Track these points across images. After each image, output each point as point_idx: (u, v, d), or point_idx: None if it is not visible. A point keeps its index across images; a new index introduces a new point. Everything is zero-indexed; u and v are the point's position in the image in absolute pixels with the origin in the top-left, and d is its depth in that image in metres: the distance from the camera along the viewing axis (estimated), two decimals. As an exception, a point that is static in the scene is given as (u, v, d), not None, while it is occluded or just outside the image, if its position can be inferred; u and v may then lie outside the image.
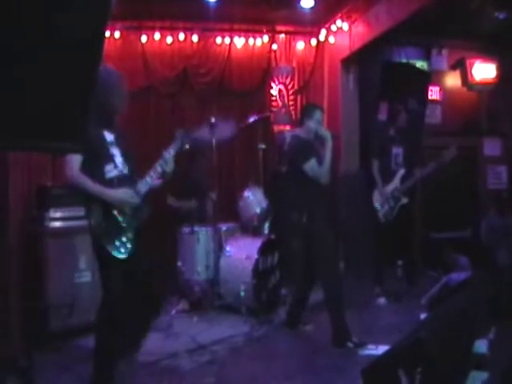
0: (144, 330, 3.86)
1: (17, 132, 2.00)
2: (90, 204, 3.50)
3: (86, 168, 3.48)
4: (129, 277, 3.61)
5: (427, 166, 6.22)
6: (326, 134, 4.90)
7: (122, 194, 3.58)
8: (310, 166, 4.80)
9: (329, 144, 4.84)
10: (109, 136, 3.70)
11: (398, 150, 6.44)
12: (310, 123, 4.96)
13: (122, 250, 3.49)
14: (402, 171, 6.33)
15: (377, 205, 6.38)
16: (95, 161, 3.54)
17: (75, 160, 3.48)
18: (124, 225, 3.57)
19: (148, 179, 3.75)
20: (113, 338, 3.54)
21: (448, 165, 6.08)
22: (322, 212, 4.96)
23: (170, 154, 3.85)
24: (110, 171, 3.61)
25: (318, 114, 5.00)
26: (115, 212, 3.56)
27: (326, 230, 4.95)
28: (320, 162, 4.83)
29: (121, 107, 3.80)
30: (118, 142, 3.74)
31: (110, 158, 3.65)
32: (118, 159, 3.69)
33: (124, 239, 3.53)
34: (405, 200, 6.26)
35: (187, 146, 4.06)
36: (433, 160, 6.19)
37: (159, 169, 3.79)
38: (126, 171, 3.71)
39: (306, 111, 5.13)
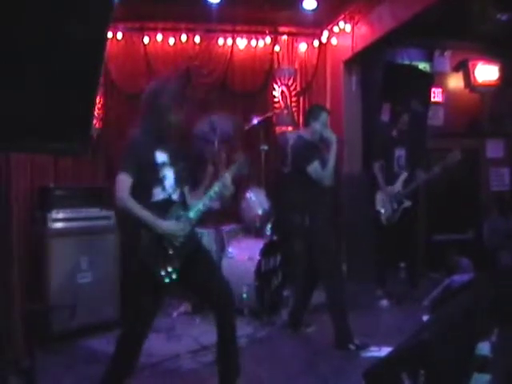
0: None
1: (20, 133, 2.01)
2: (139, 227, 3.42)
3: (134, 190, 3.43)
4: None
5: (430, 169, 6.19)
6: (331, 136, 4.86)
7: (171, 226, 3.46)
8: (313, 168, 4.78)
9: (333, 147, 4.81)
10: (161, 156, 3.56)
11: (400, 152, 6.44)
12: (316, 125, 4.94)
13: (167, 280, 3.41)
14: (404, 174, 6.32)
15: (379, 208, 6.37)
16: (143, 183, 3.47)
17: (126, 181, 3.43)
18: (171, 253, 3.46)
19: (201, 207, 3.63)
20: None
21: (451, 168, 6.06)
22: (324, 213, 4.95)
23: (227, 178, 3.70)
24: (158, 194, 3.51)
25: (323, 116, 4.98)
26: (164, 241, 3.44)
27: (327, 232, 4.94)
28: (324, 164, 4.81)
29: (178, 122, 3.64)
30: (172, 161, 3.60)
31: (159, 181, 3.52)
32: (169, 182, 3.56)
33: (170, 269, 3.42)
34: (408, 203, 6.25)
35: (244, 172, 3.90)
36: (435, 162, 6.17)
37: (216, 193, 3.67)
38: (175, 196, 3.58)
39: (312, 113, 5.11)
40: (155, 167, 3.52)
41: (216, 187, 3.68)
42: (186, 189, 3.71)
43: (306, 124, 5.10)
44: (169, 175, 3.57)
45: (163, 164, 3.56)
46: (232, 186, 3.71)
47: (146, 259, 3.41)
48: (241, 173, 3.84)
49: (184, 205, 3.64)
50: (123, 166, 3.49)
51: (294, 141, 5.25)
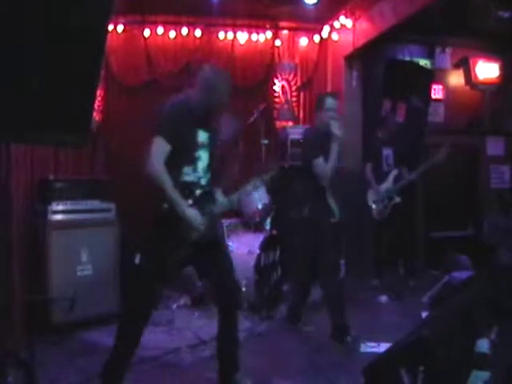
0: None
1: (20, 125, 2.01)
2: (163, 202, 3.33)
3: (166, 162, 3.30)
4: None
5: (420, 166, 6.40)
6: (336, 133, 4.75)
7: (193, 215, 3.36)
8: (318, 162, 4.77)
9: (335, 145, 4.76)
10: (203, 135, 3.47)
11: (387, 152, 6.64)
12: (321, 114, 4.88)
13: (169, 261, 3.37)
14: (395, 171, 6.55)
15: (371, 203, 6.54)
16: (177, 157, 3.34)
17: (162, 146, 3.30)
18: (183, 240, 3.40)
19: (226, 202, 3.58)
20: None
21: (440, 165, 6.18)
22: (324, 205, 4.95)
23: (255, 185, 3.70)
24: (188, 174, 3.41)
25: (327, 102, 4.89)
26: (182, 224, 3.35)
27: (327, 222, 4.94)
28: (326, 159, 4.79)
29: (223, 107, 3.55)
30: (210, 144, 3.53)
31: (193, 161, 3.43)
32: (202, 164, 3.48)
33: (183, 253, 3.38)
34: (398, 199, 6.43)
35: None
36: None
37: (248, 191, 3.67)
38: (204, 181, 3.50)
39: (317, 103, 5.09)
40: (194, 145, 3.43)
41: (253, 185, 3.66)
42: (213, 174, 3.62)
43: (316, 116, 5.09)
44: (204, 157, 3.49)
45: (202, 144, 3.47)
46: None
47: (160, 236, 3.37)
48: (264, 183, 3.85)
49: (211, 195, 3.57)
50: (161, 130, 3.34)
51: (304, 133, 5.27)
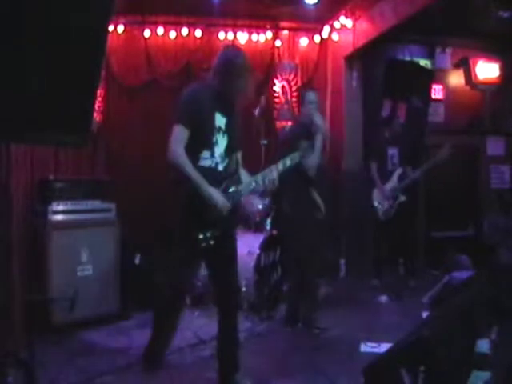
0: None
1: (20, 125, 2.01)
2: (182, 183, 3.33)
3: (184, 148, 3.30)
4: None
5: (423, 165, 6.42)
6: (320, 125, 4.87)
7: (215, 194, 3.33)
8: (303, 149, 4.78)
9: (319, 136, 4.84)
10: (220, 119, 3.45)
11: (393, 151, 6.62)
12: (303, 109, 5.05)
13: (204, 244, 3.34)
14: (399, 170, 6.55)
15: (376, 203, 6.54)
16: (195, 142, 3.34)
17: (182, 133, 3.30)
18: (212, 220, 3.36)
19: (253, 185, 3.54)
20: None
21: (443, 163, 6.21)
22: (305, 203, 4.95)
23: (285, 163, 3.68)
24: (206, 159, 3.40)
25: (307, 96, 5.06)
26: (207, 206, 3.33)
27: (304, 220, 4.98)
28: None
29: (243, 92, 3.50)
30: (229, 129, 3.50)
31: (210, 145, 3.40)
32: (219, 149, 3.46)
33: (208, 234, 3.34)
34: (403, 198, 6.43)
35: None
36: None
37: (267, 176, 3.57)
38: (221, 166, 3.48)
39: (299, 98, 5.19)
40: (211, 129, 3.41)
41: (272, 169, 3.60)
42: (236, 159, 3.60)
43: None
44: (221, 142, 3.47)
45: (219, 129, 3.45)
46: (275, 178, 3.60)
47: (187, 218, 3.37)
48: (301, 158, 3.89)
49: (234, 178, 3.54)
50: (180, 117, 3.35)
51: (289, 128, 5.32)
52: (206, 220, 3.35)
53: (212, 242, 3.36)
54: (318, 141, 4.81)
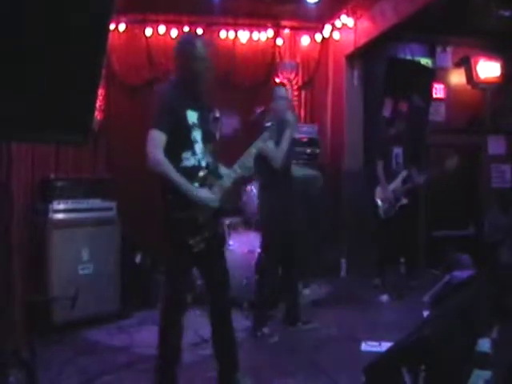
0: None
1: (21, 123, 2.01)
2: (169, 193, 3.28)
3: (165, 152, 3.24)
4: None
5: (427, 170, 6.42)
6: (290, 120, 4.95)
7: (206, 195, 3.32)
8: (269, 146, 4.79)
9: (288, 130, 4.88)
10: (192, 116, 3.39)
11: (398, 150, 6.62)
12: (273, 104, 5.10)
13: (196, 249, 3.30)
14: (404, 173, 6.51)
15: (378, 201, 6.54)
16: (174, 144, 3.28)
17: (159, 138, 3.23)
18: (201, 222, 3.31)
19: (233, 174, 3.49)
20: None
21: (450, 172, 6.21)
22: (272, 200, 4.99)
23: (253, 150, 3.62)
24: (188, 159, 3.34)
25: (279, 92, 5.20)
26: (194, 209, 3.29)
27: (270, 218, 5.01)
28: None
29: (205, 78, 3.42)
30: (201, 122, 3.44)
31: (190, 144, 3.35)
32: (199, 146, 3.40)
33: (198, 238, 3.30)
34: (404, 201, 6.42)
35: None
36: (434, 158, 6.31)
37: (245, 162, 3.55)
38: (204, 161, 3.41)
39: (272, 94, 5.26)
40: (187, 128, 3.36)
41: (245, 156, 3.58)
42: (211, 149, 3.54)
43: None
44: (199, 137, 3.42)
45: (193, 125, 3.40)
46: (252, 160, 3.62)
47: (175, 227, 3.32)
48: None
49: (215, 172, 3.49)
50: (156, 122, 3.28)
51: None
52: (194, 224, 3.32)
53: (203, 246, 3.33)
54: (287, 135, 4.85)
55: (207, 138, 3.49)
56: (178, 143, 3.32)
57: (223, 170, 3.60)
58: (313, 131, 7.43)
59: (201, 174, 3.39)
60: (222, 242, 3.78)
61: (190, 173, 3.32)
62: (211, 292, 3.66)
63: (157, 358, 3.51)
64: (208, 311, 3.72)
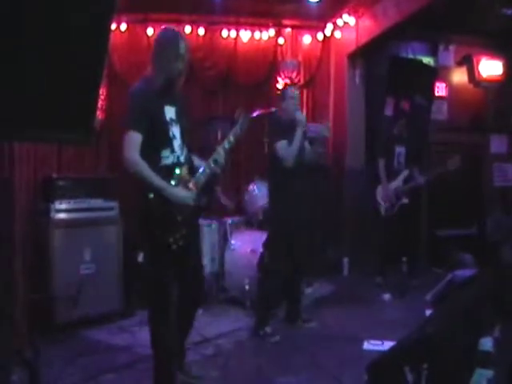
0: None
1: (23, 122, 2.01)
2: (147, 192, 3.25)
3: (141, 151, 3.21)
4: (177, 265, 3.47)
5: (429, 171, 6.41)
6: (301, 119, 4.88)
7: (182, 194, 3.30)
8: (282, 144, 4.82)
9: (299, 129, 4.83)
10: (170, 111, 3.36)
11: (400, 150, 6.62)
12: (284, 104, 5.02)
13: (174, 247, 3.29)
14: (405, 172, 6.54)
15: (379, 199, 6.53)
16: (152, 143, 3.24)
17: (135, 139, 3.19)
18: (179, 220, 3.31)
19: (207, 170, 3.45)
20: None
21: (452, 173, 6.21)
22: (285, 201, 4.95)
23: (230, 141, 3.54)
24: (167, 157, 3.32)
25: (286, 93, 5.09)
26: (173, 207, 3.28)
27: (282, 220, 4.98)
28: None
29: (181, 71, 3.38)
30: (178, 117, 3.41)
31: (168, 142, 3.32)
32: (177, 142, 3.36)
33: (177, 236, 3.30)
34: (405, 200, 6.43)
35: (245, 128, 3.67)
36: (436, 158, 6.30)
37: (218, 158, 3.47)
38: (182, 158, 3.40)
39: (280, 95, 5.25)
40: (165, 125, 3.32)
41: (218, 152, 3.51)
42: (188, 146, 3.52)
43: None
44: (177, 133, 3.39)
45: (172, 120, 3.37)
46: (225, 154, 3.50)
47: (156, 226, 3.28)
48: (243, 130, 3.63)
49: (191, 169, 3.48)
50: (131, 122, 3.23)
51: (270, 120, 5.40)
52: (172, 222, 3.31)
53: (181, 243, 3.32)
54: (298, 134, 4.81)
55: (184, 131, 3.46)
56: (157, 141, 3.29)
57: (197, 161, 3.59)
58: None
59: (177, 171, 3.37)
60: (198, 236, 3.83)
61: (170, 171, 3.32)
62: (185, 287, 3.61)
63: (153, 358, 3.50)
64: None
